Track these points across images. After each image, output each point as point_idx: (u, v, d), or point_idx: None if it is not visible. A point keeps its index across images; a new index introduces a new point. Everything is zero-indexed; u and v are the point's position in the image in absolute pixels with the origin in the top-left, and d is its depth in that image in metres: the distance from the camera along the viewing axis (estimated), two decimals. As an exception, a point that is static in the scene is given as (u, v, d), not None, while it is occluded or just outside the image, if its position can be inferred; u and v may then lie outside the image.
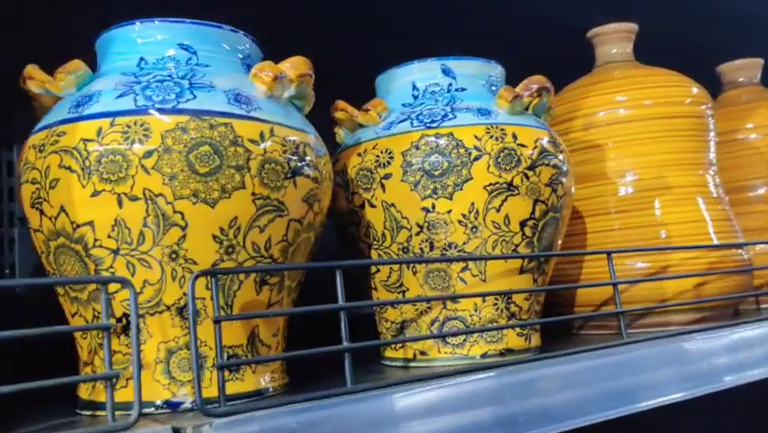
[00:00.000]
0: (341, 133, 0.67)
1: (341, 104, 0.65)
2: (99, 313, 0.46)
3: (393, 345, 0.63)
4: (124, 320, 0.46)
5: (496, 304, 0.60)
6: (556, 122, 0.81)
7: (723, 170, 0.88)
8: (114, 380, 0.40)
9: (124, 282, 0.41)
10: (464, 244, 0.59)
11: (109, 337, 0.40)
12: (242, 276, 0.47)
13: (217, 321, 0.42)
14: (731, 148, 0.97)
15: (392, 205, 0.59)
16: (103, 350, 0.47)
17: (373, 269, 0.62)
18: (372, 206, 0.60)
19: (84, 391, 0.48)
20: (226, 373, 0.48)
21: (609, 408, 0.56)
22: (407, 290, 0.61)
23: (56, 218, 0.45)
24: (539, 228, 0.61)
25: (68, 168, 0.44)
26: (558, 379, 0.54)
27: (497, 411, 0.48)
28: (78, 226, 0.45)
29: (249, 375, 0.49)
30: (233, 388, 0.47)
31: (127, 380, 0.46)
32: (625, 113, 0.79)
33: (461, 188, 0.58)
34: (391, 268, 0.61)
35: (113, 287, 0.45)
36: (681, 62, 0.86)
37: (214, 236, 0.45)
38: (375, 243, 0.61)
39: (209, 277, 0.44)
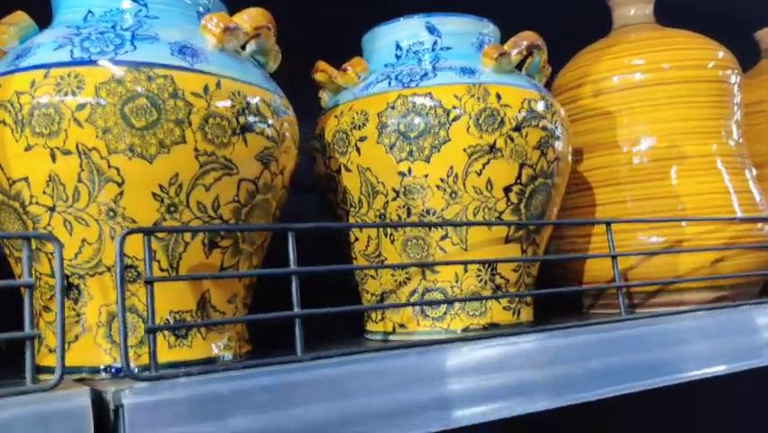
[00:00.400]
0: (324, 97, 0.64)
1: (321, 65, 0.62)
2: (42, 274, 0.45)
3: (373, 319, 0.60)
4: (65, 281, 0.44)
5: (479, 275, 0.56)
6: (564, 89, 0.77)
7: (754, 141, 0.81)
8: (37, 341, 0.38)
9: (49, 238, 0.39)
10: (443, 210, 0.55)
11: (31, 295, 0.38)
12: (187, 237, 0.45)
13: (149, 282, 0.40)
14: (761, 119, 0.90)
15: (368, 169, 0.56)
16: (46, 313, 0.45)
17: (352, 237, 0.59)
18: (348, 170, 0.57)
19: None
20: (173, 339, 0.46)
21: (600, 387, 0.51)
22: (386, 259, 0.58)
23: (-8, 174, 0.44)
24: (526, 195, 0.56)
25: (2, 121, 0.43)
26: (547, 353, 0.50)
27: (439, 389, 0.45)
28: (14, 182, 0.43)
29: (198, 342, 0.46)
30: (180, 355, 0.45)
31: (69, 343, 0.45)
32: (641, 77, 0.74)
33: (439, 151, 0.54)
34: (369, 237, 0.58)
35: (50, 247, 0.43)
36: (714, 28, 0.79)
37: (154, 194, 0.43)
38: (352, 209, 0.58)
39: (144, 236, 0.41)
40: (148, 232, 0.40)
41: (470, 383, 0.46)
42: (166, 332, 0.45)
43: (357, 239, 0.59)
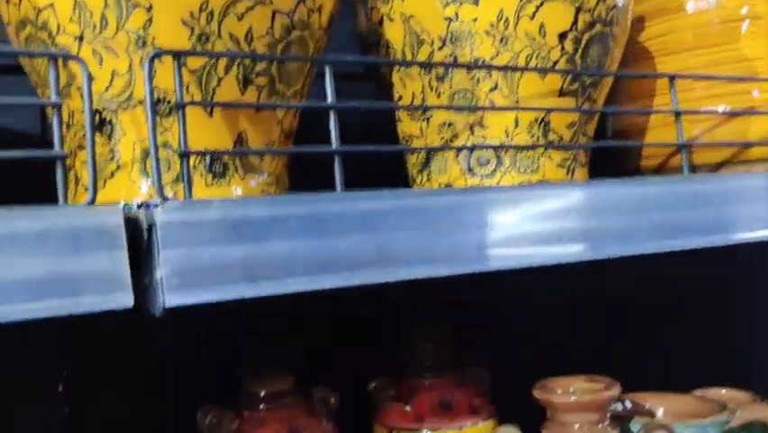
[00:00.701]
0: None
1: None
2: (74, 110, 0.44)
3: (419, 182, 0.57)
4: (98, 117, 0.43)
5: (531, 130, 0.53)
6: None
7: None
8: (73, 181, 0.37)
9: (74, 58, 0.37)
10: (493, 59, 0.52)
11: (59, 115, 0.36)
12: (220, 71, 0.43)
13: (180, 107, 0.38)
14: None
15: (411, 16, 0.53)
16: (80, 151, 0.44)
17: (395, 95, 0.56)
18: (391, 20, 0.54)
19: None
20: (210, 177, 0.44)
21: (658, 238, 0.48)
22: (432, 116, 0.55)
23: (19, 3, 0.42)
24: (582, 43, 0.52)
25: (26, -56, 0.41)
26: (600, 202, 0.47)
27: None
28: (41, 10, 0.41)
29: (236, 181, 0.45)
30: (217, 193, 0.44)
31: (105, 181, 0.43)
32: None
33: (488, -8, 0.50)
34: (413, 93, 0.55)
35: (80, 80, 0.42)
36: None
37: (184, 21, 0.41)
38: (396, 66, 0.55)
39: (173, 60, 0.39)
40: (177, 54, 0.38)
41: (511, 229, 0.43)
42: (202, 170, 0.44)
43: (401, 97, 0.56)
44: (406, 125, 0.57)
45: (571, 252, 0.43)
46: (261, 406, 0.55)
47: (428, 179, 0.56)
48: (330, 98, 0.42)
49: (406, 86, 0.55)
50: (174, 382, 0.66)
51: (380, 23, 0.55)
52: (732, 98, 0.65)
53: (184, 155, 0.38)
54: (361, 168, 0.47)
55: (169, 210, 0.35)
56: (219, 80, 0.43)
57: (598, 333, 0.86)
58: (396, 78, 0.56)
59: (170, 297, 0.34)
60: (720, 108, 0.65)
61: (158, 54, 0.38)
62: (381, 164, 0.59)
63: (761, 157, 0.65)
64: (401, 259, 0.40)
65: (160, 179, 0.37)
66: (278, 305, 0.42)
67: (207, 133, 0.43)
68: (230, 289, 0.35)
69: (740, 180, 0.53)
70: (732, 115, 0.64)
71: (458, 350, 0.67)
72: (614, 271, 0.66)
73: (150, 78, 0.37)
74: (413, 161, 0.58)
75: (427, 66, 0.52)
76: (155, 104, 0.41)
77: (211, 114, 0.44)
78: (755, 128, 0.64)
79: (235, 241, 0.36)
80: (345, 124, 0.43)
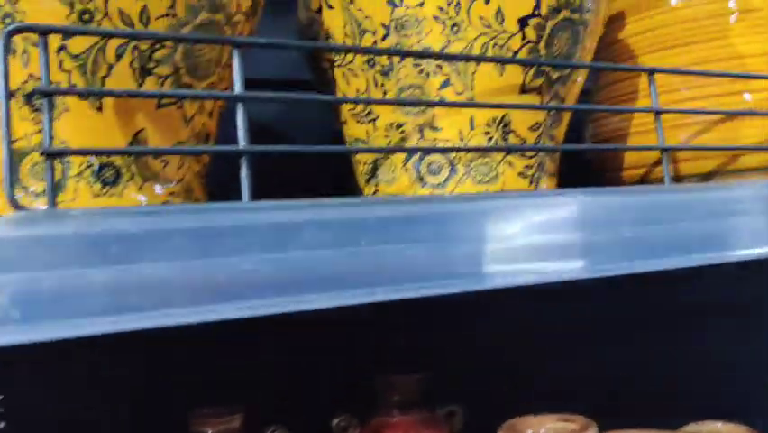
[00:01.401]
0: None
1: None
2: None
3: (367, 191, 0.50)
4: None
5: (488, 131, 0.46)
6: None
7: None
8: None
9: None
10: (443, 49, 0.45)
11: None
12: (110, 57, 0.36)
13: (45, 94, 0.31)
14: None
15: (351, 2, 0.46)
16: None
17: (339, 95, 0.50)
18: (330, 6, 0.47)
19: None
20: (98, 185, 0.37)
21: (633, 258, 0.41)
22: (378, 117, 0.48)
23: None
24: (547, 30, 0.46)
25: None
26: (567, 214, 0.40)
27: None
28: None
29: (131, 191, 0.38)
30: (107, 204, 0.37)
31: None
32: None
33: (437, -27, 0.44)
34: (357, 90, 0.48)
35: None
36: None
37: (61, -4, 0.34)
38: (337, 59, 0.48)
39: (40, 37, 0.32)
40: (44, 31, 0.32)
41: (457, 249, 0.36)
42: (89, 176, 0.37)
43: (344, 95, 0.49)
44: (352, 128, 0.50)
45: (520, 275, 0.36)
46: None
47: (376, 191, 0.49)
48: (238, 88, 0.35)
49: (350, 82, 0.48)
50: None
51: (319, 10, 0.48)
52: (722, 100, 0.58)
53: (48, 155, 0.31)
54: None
55: (9, 222, 0.28)
56: (109, 68, 0.36)
57: (580, 362, 0.79)
58: (338, 73, 0.49)
59: (4, 334, 0.27)
60: (708, 110, 0.59)
61: (18, 29, 0.32)
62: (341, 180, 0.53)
63: (754, 166, 0.58)
64: (315, 282, 0.33)
65: (12, 185, 0.30)
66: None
67: (96, 131, 0.37)
68: (87, 322, 0.28)
69: (730, 191, 0.47)
70: (722, 118, 0.58)
71: (429, 385, 0.61)
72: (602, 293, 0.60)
73: (5, 58, 0.30)
74: (360, 170, 0.51)
75: (360, 51, 0.45)
76: (11, 92, 0.35)
77: (100, 108, 0.37)
78: (748, 133, 0.57)
79: (100, 261, 0.29)
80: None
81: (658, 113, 0.48)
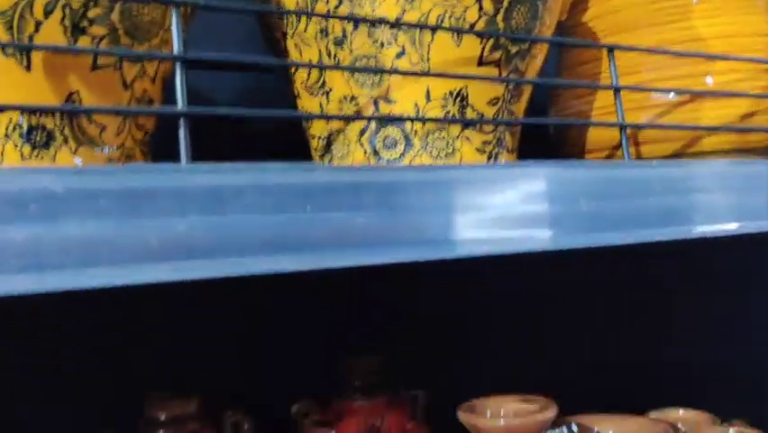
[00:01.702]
0: None
1: None
2: None
3: (320, 162, 0.49)
4: None
5: (445, 105, 0.45)
6: None
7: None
8: None
9: None
10: (398, 18, 0.44)
11: None
12: (38, 14, 0.34)
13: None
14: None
15: (304, -31, 0.44)
16: None
17: (291, 69, 0.48)
18: (282, -26, 0.46)
19: None
20: (27, 148, 0.35)
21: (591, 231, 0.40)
22: (332, 89, 0.46)
23: None
24: (504, 3, 0.45)
25: None
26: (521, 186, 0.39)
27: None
28: None
29: (64, 156, 0.36)
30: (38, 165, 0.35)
31: None
32: None
33: (391, -61, 0.42)
34: (310, 60, 0.46)
35: None
36: None
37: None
38: (290, 29, 0.47)
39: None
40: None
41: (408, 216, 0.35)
42: (17, 138, 0.35)
43: (296, 69, 0.48)
44: (305, 101, 0.48)
45: (468, 246, 0.35)
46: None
47: (330, 162, 0.48)
48: (177, 48, 0.34)
49: (303, 52, 0.47)
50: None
51: (272, -22, 0.46)
52: (684, 82, 0.58)
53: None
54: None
55: None
56: (37, 25, 0.34)
57: (545, 343, 0.78)
58: (291, 44, 0.47)
59: None
60: (669, 91, 0.58)
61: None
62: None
63: (716, 149, 0.58)
64: (255, 246, 0.31)
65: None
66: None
67: (25, 92, 0.35)
68: (3, 280, 0.27)
69: (689, 167, 0.46)
70: (683, 99, 0.57)
71: (391, 368, 0.60)
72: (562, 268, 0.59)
73: None
74: (314, 145, 0.49)
75: (308, 15, 0.44)
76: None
77: (29, 67, 0.35)
78: (710, 115, 0.57)
79: (16, 220, 0.27)
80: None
81: (617, 90, 0.47)
